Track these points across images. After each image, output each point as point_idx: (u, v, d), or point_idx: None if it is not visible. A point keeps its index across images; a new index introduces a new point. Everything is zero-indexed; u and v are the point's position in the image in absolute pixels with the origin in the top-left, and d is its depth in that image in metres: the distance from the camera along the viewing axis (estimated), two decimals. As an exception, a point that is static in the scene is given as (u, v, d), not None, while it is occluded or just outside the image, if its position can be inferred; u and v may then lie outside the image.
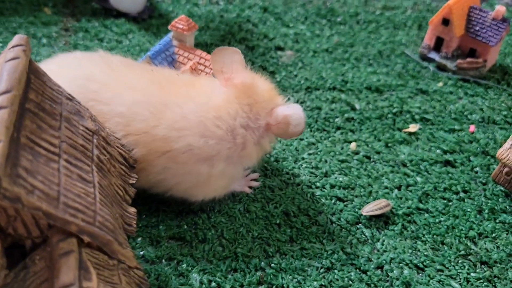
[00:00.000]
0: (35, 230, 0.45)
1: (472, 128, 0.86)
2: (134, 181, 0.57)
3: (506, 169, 0.74)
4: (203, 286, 0.60)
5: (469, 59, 0.96)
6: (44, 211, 0.41)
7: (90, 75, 0.62)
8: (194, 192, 0.66)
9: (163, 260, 0.63)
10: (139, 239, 0.65)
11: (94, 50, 0.95)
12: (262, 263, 0.64)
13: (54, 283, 0.41)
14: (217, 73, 0.63)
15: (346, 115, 0.87)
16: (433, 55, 1.01)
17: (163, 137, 0.59)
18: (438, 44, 1.00)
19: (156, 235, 0.66)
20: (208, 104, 0.61)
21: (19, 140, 0.41)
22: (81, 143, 0.49)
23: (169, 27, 0.80)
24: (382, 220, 0.70)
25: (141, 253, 0.63)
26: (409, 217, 0.71)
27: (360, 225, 0.70)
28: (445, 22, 0.97)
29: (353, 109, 0.89)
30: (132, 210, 0.54)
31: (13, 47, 0.47)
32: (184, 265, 0.62)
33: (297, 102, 0.89)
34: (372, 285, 0.62)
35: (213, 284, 0.61)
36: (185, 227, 0.67)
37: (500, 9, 0.94)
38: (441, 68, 0.99)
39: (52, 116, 0.47)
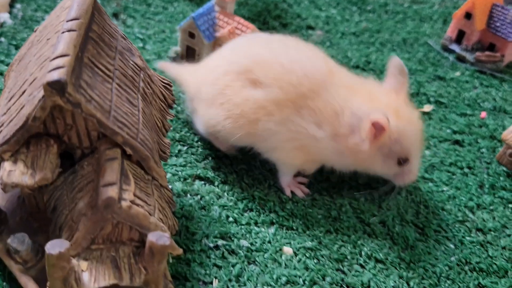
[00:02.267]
0: (86, 141, 0.52)
1: (483, 114, 0.91)
2: (171, 118, 0.64)
3: (510, 151, 0.80)
4: (222, 218, 0.68)
5: (487, 53, 1.01)
6: (98, 119, 0.48)
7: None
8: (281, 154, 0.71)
9: (188, 195, 0.71)
10: (168, 175, 0.72)
11: (142, 13, 1.03)
12: (276, 207, 0.71)
13: (99, 182, 0.48)
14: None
15: (366, 92, 0.93)
16: (454, 46, 1.06)
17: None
18: (460, 37, 1.05)
19: (184, 173, 0.73)
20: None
21: (82, 59, 0.49)
22: (130, 74, 0.57)
23: (213, -6, 0.88)
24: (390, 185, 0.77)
25: (169, 187, 0.71)
26: (414, 184, 0.77)
27: (367, 187, 0.76)
28: (468, 16, 1.02)
29: (373, 87, 0.95)
30: (167, 140, 0.61)
31: (81, -14, 0.55)
32: (207, 198, 0.70)
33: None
34: (374, 236, 0.69)
35: (231, 219, 0.68)
36: (210, 169, 0.75)
37: (521, 8, 0.99)
38: (461, 59, 1.04)
39: (109, 47, 0.55)
